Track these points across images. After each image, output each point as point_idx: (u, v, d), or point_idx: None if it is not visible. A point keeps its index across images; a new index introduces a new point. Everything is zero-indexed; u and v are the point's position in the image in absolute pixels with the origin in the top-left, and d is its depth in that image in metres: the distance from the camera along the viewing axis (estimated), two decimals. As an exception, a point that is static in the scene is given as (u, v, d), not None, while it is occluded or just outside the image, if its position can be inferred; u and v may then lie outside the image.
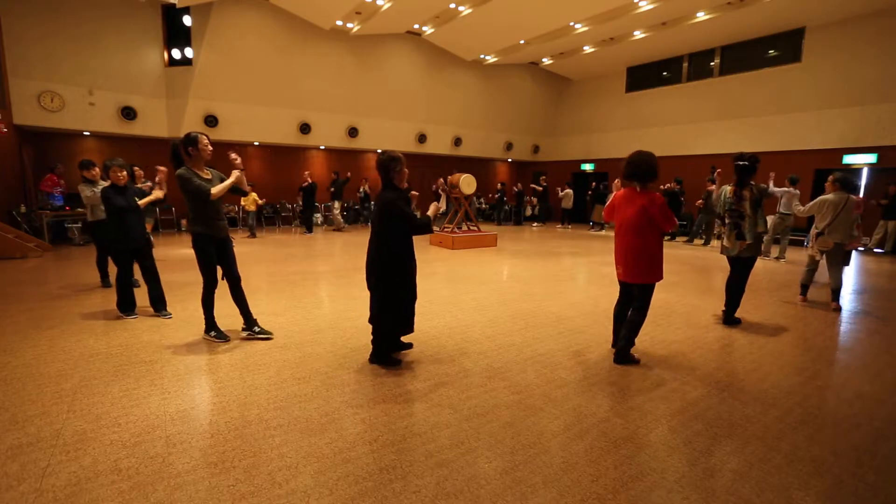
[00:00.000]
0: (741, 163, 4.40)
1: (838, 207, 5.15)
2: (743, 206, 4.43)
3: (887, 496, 2.11)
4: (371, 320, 3.41)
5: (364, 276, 3.43)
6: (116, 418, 2.63)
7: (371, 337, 3.49)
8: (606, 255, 9.60)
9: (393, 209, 3.18)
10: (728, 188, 4.57)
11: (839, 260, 5.33)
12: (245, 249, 9.54)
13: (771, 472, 2.26)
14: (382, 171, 3.28)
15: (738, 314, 4.82)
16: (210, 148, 3.77)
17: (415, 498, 2.01)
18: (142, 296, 4.88)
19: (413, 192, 3.69)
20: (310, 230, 13.06)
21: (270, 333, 4.07)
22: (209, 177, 3.78)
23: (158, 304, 4.72)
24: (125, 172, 4.65)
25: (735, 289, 4.66)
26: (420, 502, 1.99)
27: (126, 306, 4.63)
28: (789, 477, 2.22)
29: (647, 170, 3.32)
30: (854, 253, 6.71)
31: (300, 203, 13.57)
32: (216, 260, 3.88)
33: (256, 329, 4.04)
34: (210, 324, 3.96)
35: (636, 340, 3.70)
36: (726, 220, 4.59)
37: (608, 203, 3.70)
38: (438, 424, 2.63)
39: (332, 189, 13.23)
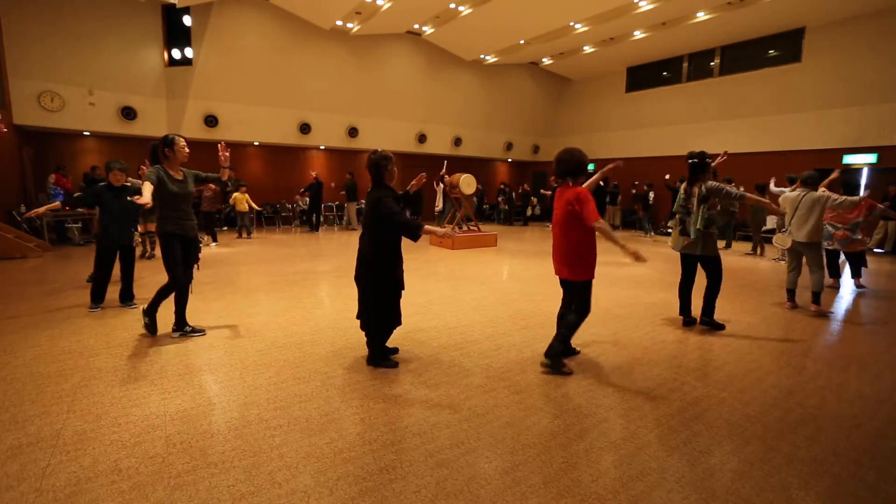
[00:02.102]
0: (692, 161, 4.44)
1: (794, 203, 5.17)
2: (691, 202, 4.46)
3: (887, 496, 2.11)
4: (359, 316, 3.41)
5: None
6: (116, 418, 2.63)
7: (365, 339, 3.49)
8: (605, 255, 9.59)
9: (382, 206, 3.20)
10: (682, 186, 4.59)
11: (818, 261, 5.20)
12: (244, 249, 9.54)
13: (771, 472, 2.26)
14: (374, 170, 3.31)
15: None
16: (186, 150, 3.89)
17: (415, 498, 2.01)
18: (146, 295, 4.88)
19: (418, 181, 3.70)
20: (313, 229, 13.10)
21: (202, 331, 4.09)
22: (181, 177, 3.87)
23: (128, 299, 5.02)
24: (124, 175, 4.95)
25: (708, 292, 4.59)
26: (420, 502, 1.99)
27: (97, 299, 4.85)
28: (789, 477, 2.22)
29: (577, 166, 3.33)
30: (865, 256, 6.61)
31: (304, 203, 13.72)
32: (182, 258, 3.91)
33: (188, 328, 4.04)
34: (182, 321, 4.01)
35: (574, 337, 3.64)
36: (676, 216, 4.61)
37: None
38: (438, 424, 2.63)
39: (345, 191, 13.39)
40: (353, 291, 5.80)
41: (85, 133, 11.64)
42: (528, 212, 17.56)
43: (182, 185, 3.86)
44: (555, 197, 3.52)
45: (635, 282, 6.82)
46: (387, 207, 3.17)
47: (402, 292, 3.43)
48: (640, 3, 11.39)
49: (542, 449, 2.41)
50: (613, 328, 4.52)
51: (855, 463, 2.35)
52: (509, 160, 19.77)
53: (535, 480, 2.15)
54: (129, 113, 11.36)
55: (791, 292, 5.43)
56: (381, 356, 3.47)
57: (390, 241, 3.30)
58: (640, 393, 3.09)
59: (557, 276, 3.59)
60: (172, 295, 3.94)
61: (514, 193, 17.42)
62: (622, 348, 3.96)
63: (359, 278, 3.38)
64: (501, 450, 2.39)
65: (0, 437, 2.42)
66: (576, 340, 3.88)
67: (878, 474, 2.26)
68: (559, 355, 3.43)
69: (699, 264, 4.60)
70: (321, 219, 13.72)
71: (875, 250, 10.73)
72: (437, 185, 13.73)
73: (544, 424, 2.66)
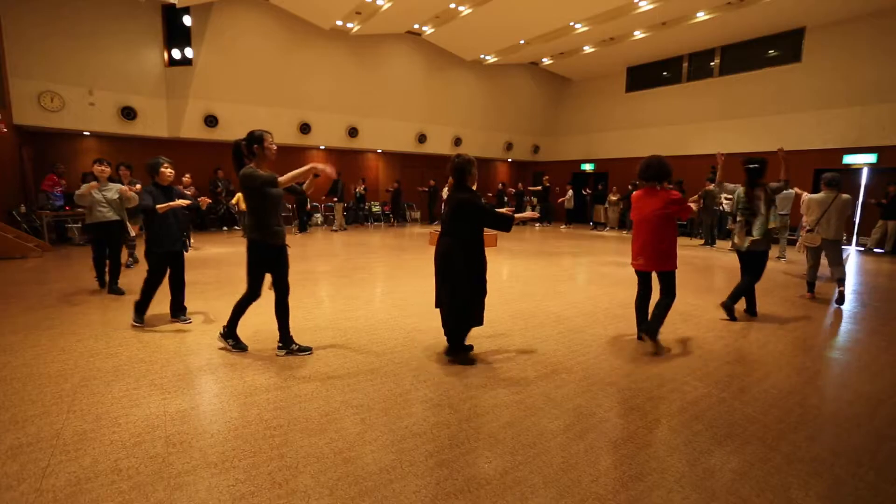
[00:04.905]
0: (751, 166, 4.80)
1: (824, 205, 5.47)
2: (756, 205, 4.77)
3: (887, 496, 2.11)
4: (442, 314, 3.56)
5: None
6: (116, 418, 2.63)
7: (443, 331, 3.64)
8: (606, 255, 9.60)
9: (472, 207, 3.35)
10: (741, 189, 4.92)
11: (838, 255, 5.54)
12: (243, 249, 9.52)
13: (771, 472, 2.26)
14: (458, 173, 3.46)
15: (736, 312, 4.89)
16: (274, 147, 3.51)
17: (415, 498, 2.01)
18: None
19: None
20: (303, 230, 13.17)
21: (309, 349, 3.76)
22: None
23: (179, 311, 4.50)
24: (171, 171, 4.38)
25: (747, 284, 4.93)
26: (420, 502, 1.99)
27: (142, 312, 4.31)
28: (789, 477, 2.22)
29: (667, 173, 3.83)
30: (853, 252, 6.90)
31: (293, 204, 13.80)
32: (270, 269, 3.74)
33: (294, 347, 3.71)
34: (232, 331, 3.75)
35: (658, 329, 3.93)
36: (738, 218, 4.92)
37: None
38: (438, 424, 2.63)
39: (335, 191, 13.39)
40: (352, 291, 5.83)
41: (85, 133, 11.64)
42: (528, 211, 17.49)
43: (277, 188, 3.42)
44: (633, 198, 4.01)
45: (635, 282, 6.81)
46: (477, 207, 3.37)
47: (455, 294, 3.43)
48: (640, 3, 11.39)
49: (541, 449, 2.41)
50: (614, 328, 4.52)
51: (855, 463, 2.35)
52: (509, 160, 19.76)
53: (535, 480, 2.15)
54: (129, 113, 11.36)
55: (811, 284, 5.87)
56: (459, 349, 3.62)
57: (475, 238, 3.43)
58: (640, 393, 3.09)
59: (637, 269, 4.05)
60: (239, 306, 3.68)
61: (504, 195, 16.97)
62: (622, 348, 3.96)
63: (439, 273, 3.49)
64: (501, 450, 2.39)
65: (0, 437, 2.42)
66: (577, 341, 3.88)
67: (877, 474, 2.26)
68: (657, 333, 3.90)
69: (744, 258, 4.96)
70: (308, 220, 13.79)
71: (875, 250, 10.74)
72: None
73: (544, 424, 2.66)
